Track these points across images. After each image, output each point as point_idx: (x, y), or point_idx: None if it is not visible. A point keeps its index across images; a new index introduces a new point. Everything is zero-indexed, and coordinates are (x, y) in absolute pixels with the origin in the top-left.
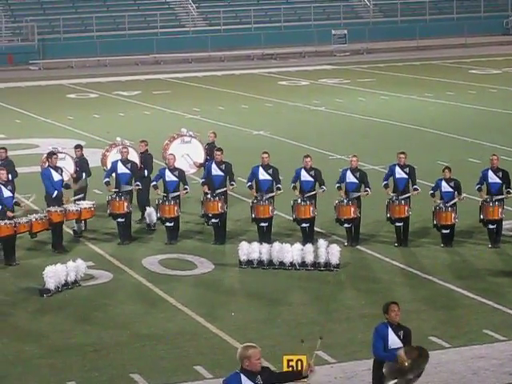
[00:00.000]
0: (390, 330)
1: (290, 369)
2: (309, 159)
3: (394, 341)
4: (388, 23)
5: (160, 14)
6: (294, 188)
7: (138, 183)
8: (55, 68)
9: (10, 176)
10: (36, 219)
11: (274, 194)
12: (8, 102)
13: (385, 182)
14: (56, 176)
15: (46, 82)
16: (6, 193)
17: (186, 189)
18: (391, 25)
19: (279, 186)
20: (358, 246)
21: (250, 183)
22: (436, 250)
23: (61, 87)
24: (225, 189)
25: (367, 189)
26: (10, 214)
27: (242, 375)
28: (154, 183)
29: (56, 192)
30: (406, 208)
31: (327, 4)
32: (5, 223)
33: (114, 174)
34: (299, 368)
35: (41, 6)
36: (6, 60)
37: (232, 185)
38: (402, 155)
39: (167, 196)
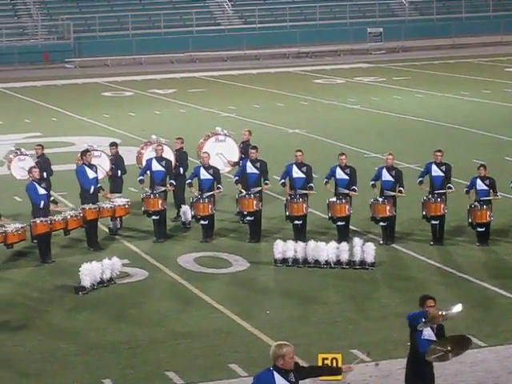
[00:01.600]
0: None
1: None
2: (344, 157)
3: (428, 333)
4: (424, 21)
5: (196, 12)
6: (326, 183)
7: (172, 182)
8: (91, 66)
9: (45, 174)
10: (71, 216)
11: (307, 191)
12: (44, 100)
13: (420, 179)
14: (90, 173)
15: (81, 80)
16: (41, 190)
17: (218, 188)
18: (427, 23)
19: (311, 185)
20: (394, 245)
21: (283, 180)
22: (471, 248)
23: (96, 85)
24: (260, 188)
25: (401, 188)
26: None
27: (274, 372)
28: (189, 181)
29: (92, 188)
30: (442, 206)
31: (363, 2)
32: (40, 220)
33: (148, 172)
34: (336, 365)
35: (77, 4)
36: (43, 58)
37: (266, 183)
38: (439, 153)
39: (202, 194)
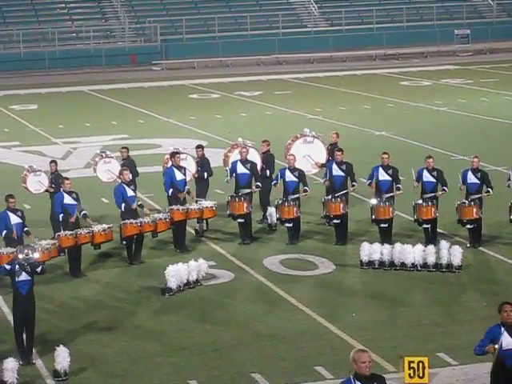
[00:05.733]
0: (503, 330)
1: (411, 371)
2: (431, 160)
3: (508, 342)
4: None
5: (282, 15)
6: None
7: (258, 184)
8: (178, 68)
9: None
10: (161, 219)
11: (393, 194)
12: (131, 102)
13: (508, 182)
14: (179, 175)
15: (168, 83)
16: (130, 192)
17: (305, 190)
18: None
19: (399, 186)
20: (481, 248)
21: (370, 181)
22: None
23: (183, 87)
24: (346, 191)
25: (489, 189)
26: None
27: (355, 381)
28: (275, 182)
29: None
30: None
31: (450, 3)
32: (130, 222)
33: (234, 174)
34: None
35: (163, 7)
36: (130, 61)
37: (353, 185)
38: None
39: (286, 197)
